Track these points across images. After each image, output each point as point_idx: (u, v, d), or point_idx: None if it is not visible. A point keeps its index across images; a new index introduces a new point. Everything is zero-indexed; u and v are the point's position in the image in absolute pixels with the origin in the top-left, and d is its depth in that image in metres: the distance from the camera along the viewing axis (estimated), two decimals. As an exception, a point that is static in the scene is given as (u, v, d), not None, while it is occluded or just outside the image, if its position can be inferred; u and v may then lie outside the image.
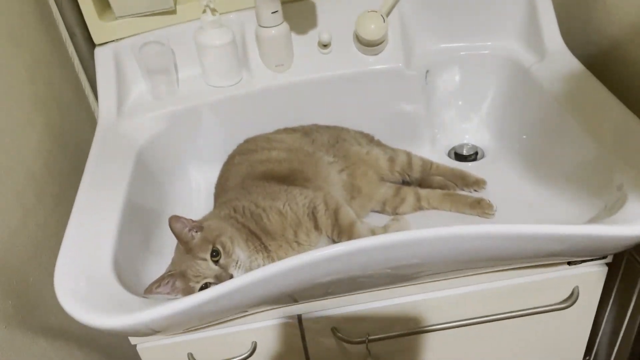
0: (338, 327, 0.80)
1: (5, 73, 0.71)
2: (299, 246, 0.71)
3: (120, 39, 0.86)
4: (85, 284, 0.58)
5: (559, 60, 0.85)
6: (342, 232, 0.73)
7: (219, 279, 0.62)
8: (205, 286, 0.62)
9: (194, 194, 0.90)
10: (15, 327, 0.63)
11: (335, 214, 0.73)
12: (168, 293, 0.63)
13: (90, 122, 0.94)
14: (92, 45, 0.89)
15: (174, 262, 0.67)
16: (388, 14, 0.88)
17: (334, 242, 0.75)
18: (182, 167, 0.90)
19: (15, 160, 0.70)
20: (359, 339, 0.80)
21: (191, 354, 0.79)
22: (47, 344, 0.69)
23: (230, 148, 0.90)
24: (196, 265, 0.63)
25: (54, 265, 0.73)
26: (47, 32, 0.83)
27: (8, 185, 0.67)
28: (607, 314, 0.91)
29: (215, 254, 0.64)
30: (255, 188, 0.74)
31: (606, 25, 0.82)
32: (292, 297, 0.68)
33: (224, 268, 0.63)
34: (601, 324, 0.94)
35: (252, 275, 0.52)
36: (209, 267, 0.63)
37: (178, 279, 0.63)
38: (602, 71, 0.81)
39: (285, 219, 0.70)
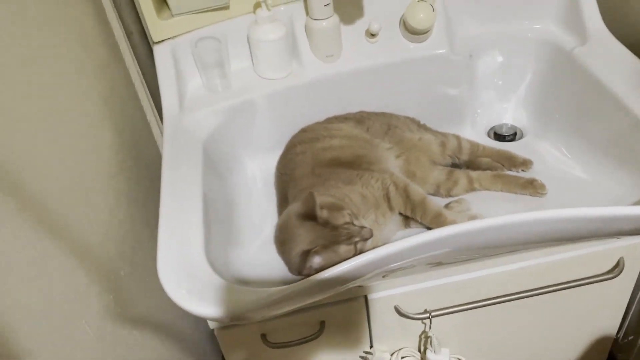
0: (400, 305, 0.85)
1: (79, 77, 0.73)
2: (378, 226, 0.75)
3: (177, 35, 0.88)
4: (189, 279, 0.62)
5: (602, 44, 0.88)
6: (415, 207, 0.77)
7: (364, 237, 0.68)
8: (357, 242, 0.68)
9: (251, 183, 0.93)
10: (116, 320, 0.67)
11: (406, 192, 0.78)
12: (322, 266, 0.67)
13: (141, 118, 0.97)
14: (147, 42, 0.91)
15: (310, 241, 0.69)
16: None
17: (407, 218, 0.80)
18: (239, 158, 0.93)
19: (98, 160, 0.73)
20: (419, 315, 0.85)
21: (264, 336, 0.83)
22: (139, 334, 0.73)
23: (282, 137, 0.93)
24: (345, 230, 0.68)
25: (137, 258, 0.77)
26: (104, 32, 0.85)
27: (97, 184, 0.70)
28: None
29: (350, 217, 0.69)
30: (329, 175, 0.78)
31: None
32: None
33: (361, 226, 0.69)
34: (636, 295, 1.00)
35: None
36: (354, 229, 0.68)
37: (327, 250, 0.67)
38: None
39: (367, 200, 0.75)
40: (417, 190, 0.77)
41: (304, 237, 0.69)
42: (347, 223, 0.68)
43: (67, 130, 0.66)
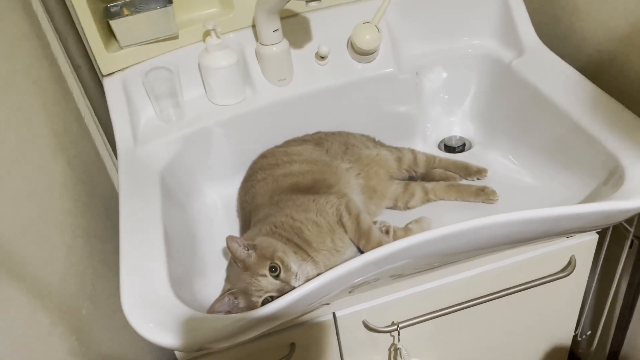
0: (368, 319, 0.86)
1: (29, 114, 0.72)
2: (337, 252, 0.76)
3: (126, 67, 0.88)
4: (155, 310, 0.61)
5: (537, 55, 0.94)
6: (361, 235, 0.78)
7: (281, 292, 0.66)
8: (268, 300, 0.66)
9: (212, 211, 0.93)
10: (82, 360, 0.65)
11: (357, 220, 0.79)
12: (228, 311, 0.66)
13: (94, 152, 0.95)
14: (96, 76, 0.90)
15: (230, 281, 0.70)
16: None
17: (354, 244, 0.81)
18: (198, 187, 0.93)
19: (53, 197, 0.71)
20: (387, 328, 0.86)
21: (235, 364, 0.82)
22: (105, 373, 0.71)
23: (241, 163, 0.94)
24: (257, 282, 0.66)
25: (98, 295, 0.76)
26: (50, 67, 0.84)
27: (53, 223, 0.69)
28: (595, 279, 1.02)
29: (274, 270, 0.68)
30: (286, 202, 0.78)
31: (575, 22, 0.92)
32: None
33: (286, 282, 0.67)
34: (589, 292, 1.05)
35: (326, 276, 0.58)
36: (270, 282, 0.67)
37: (239, 296, 0.66)
38: (574, 64, 0.90)
39: (322, 228, 0.75)
40: (366, 220, 0.79)
41: (230, 274, 0.71)
42: (262, 275, 0.67)
43: (19, 168, 0.64)
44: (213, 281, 0.76)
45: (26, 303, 0.56)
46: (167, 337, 0.59)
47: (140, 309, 0.61)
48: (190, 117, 0.91)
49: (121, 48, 0.86)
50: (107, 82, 0.87)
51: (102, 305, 0.78)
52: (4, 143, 0.62)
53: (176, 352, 0.77)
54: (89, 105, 0.93)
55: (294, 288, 0.65)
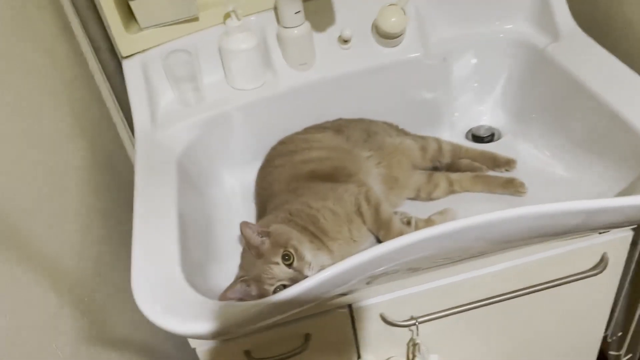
0: (386, 312, 0.83)
1: (49, 95, 0.71)
2: (354, 242, 0.73)
3: (146, 49, 0.86)
4: (165, 295, 0.60)
5: (574, 40, 0.89)
6: (381, 226, 0.76)
7: (294, 281, 0.64)
8: (280, 288, 0.64)
9: (230, 197, 0.92)
10: (93, 343, 0.64)
11: (377, 210, 0.76)
12: (240, 298, 0.65)
13: (114, 135, 0.95)
14: (116, 57, 0.89)
15: (243, 268, 0.69)
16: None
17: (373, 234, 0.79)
18: (216, 172, 0.92)
19: (70, 179, 0.71)
20: (406, 322, 0.83)
21: (248, 352, 0.81)
22: (118, 356, 0.71)
23: (260, 149, 0.92)
24: (270, 269, 0.65)
25: (116, 278, 0.75)
26: (72, 49, 0.84)
27: (68, 203, 0.68)
28: (628, 278, 0.97)
29: (287, 258, 0.66)
30: (303, 190, 0.76)
31: (616, 7, 0.87)
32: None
33: (299, 271, 0.66)
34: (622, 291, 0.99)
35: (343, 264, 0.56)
36: (282, 271, 0.65)
37: (251, 284, 0.65)
38: (614, 51, 0.85)
39: (339, 217, 0.73)
40: (387, 210, 0.76)
41: (243, 261, 0.69)
42: (275, 263, 0.66)
43: (37, 149, 0.64)
44: (227, 267, 0.75)
45: (34, 284, 0.56)
46: (175, 323, 0.58)
47: (150, 293, 0.61)
48: (210, 101, 0.90)
49: (141, 29, 0.85)
50: (126, 64, 0.86)
51: (118, 288, 0.77)
52: (23, 121, 0.62)
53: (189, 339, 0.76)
54: (110, 88, 0.92)
55: (306, 277, 0.64)
